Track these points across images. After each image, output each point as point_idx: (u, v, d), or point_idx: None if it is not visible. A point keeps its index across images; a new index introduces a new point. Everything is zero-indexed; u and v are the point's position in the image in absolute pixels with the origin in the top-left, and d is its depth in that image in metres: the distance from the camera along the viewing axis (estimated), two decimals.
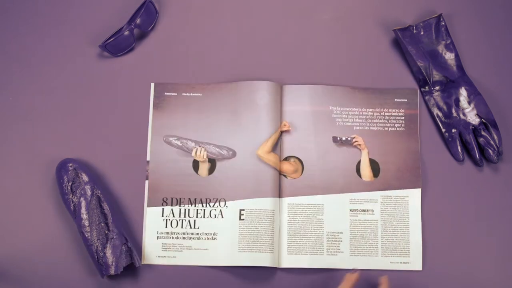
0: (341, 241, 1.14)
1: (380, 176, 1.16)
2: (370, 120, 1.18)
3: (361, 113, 1.19)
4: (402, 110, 1.19)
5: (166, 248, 1.13)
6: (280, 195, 1.15)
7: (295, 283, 1.13)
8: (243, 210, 1.14)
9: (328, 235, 1.14)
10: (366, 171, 1.16)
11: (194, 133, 1.17)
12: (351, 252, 1.14)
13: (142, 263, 1.12)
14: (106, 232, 1.09)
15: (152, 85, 1.19)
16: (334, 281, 1.12)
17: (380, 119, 1.19)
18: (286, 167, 1.16)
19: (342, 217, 1.15)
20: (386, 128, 1.18)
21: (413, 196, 1.16)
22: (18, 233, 1.13)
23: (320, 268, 1.13)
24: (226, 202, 1.15)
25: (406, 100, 1.20)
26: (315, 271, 1.13)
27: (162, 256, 1.13)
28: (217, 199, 1.15)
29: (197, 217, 1.15)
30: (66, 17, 1.23)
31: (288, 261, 1.13)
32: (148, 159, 1.16)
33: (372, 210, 1.15)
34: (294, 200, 1.15)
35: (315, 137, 1.17)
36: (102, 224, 1.09)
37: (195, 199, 1.15)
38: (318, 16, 1.24)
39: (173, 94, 1.19)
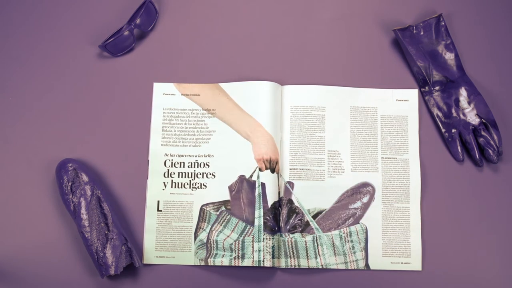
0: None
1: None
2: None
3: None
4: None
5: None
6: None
7: (294, 284, 1.13)
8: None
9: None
10: None
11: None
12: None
13: (143, 263, 1.13)
14: (106, 232, 1.09)
15: (154, 85, 1.19)
16: (334, 281, 1.13)
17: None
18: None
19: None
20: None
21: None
22: (18, 233, 1.13)
23: (320, 268, 1.13)
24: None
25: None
26: (315, 272, 1.13)
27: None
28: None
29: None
30: (66, 17, 1.23)
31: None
32: (149, 158, 1.16)
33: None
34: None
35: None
36: (102, 224, 1.09)
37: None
38: (318, 16, 1.24)
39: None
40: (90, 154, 1.17)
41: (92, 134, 1.17)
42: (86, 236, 1.08)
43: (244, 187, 1.14)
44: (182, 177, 1.16)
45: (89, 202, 1.09)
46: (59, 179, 1.11)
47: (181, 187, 1.16)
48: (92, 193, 1.10)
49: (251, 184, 1.14)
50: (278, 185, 1.15)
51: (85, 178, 1.11)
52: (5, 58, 1.20)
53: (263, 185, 1.14)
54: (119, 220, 1.13)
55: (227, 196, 1.15)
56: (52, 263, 1.12)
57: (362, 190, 1.16)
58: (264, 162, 1.14)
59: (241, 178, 1.14)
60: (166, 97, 1.19)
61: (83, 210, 1.09)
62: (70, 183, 1.10)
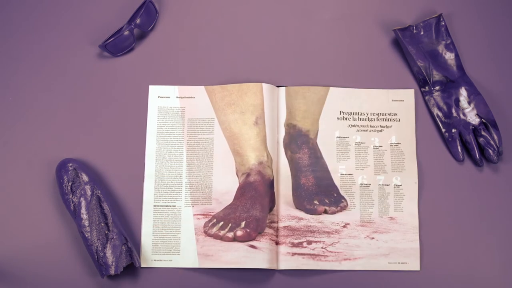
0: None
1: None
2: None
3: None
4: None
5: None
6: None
7: (293, 285, 1.13)
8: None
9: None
10: None
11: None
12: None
13: (141, 266, 1.13)
14: (106, 232, 1.09)
15: (151, 86, 1.19)
16: (333, 281, 1.13)
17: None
18: None
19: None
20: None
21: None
22: (18, 233, 1.13)
23: (318, 269, 1.13)
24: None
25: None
26: (314, 272, 1.13)
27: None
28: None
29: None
30: (66, 17, 1.23)
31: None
32: (145, 161, 1.16)
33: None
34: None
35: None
36: (102, 224, 1.09)
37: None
38: (318, 16, 1.24)
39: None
40: (90, 154, 1.17)
41: (92, 134, 1.18)
42: (86, 236, 1.08)
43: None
44: None
45: (89, 202, 1.09)
46: (59, 179, 1.11)
47: None
48: (92, 193, 1.10)
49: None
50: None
51: (85, 178, 1.11)
52: (5, 58, 1.21)
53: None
54: (119, 220, 1.13)
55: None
56: (52, 263, 1.12)
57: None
58: None
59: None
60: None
61: (83, 210, 1.09)
62: (70, 183, 1.11)
